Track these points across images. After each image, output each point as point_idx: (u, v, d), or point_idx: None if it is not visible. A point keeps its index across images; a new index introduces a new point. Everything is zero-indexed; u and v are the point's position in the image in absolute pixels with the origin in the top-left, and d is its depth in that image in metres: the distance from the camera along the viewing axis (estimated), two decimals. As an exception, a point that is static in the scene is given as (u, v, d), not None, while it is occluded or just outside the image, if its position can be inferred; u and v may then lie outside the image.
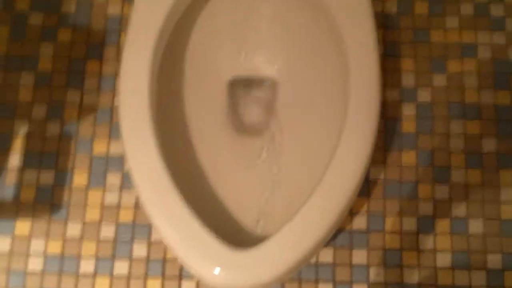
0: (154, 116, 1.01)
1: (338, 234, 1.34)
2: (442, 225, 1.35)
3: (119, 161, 1.39)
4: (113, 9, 1.50)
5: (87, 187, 1.38)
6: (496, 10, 1.50)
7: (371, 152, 1.00)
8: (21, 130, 1.41)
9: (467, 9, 1.50)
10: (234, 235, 1.11)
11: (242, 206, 1.15)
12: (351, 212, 1.35)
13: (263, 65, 1.26)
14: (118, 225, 1.35)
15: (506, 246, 1.34)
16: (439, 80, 1.44)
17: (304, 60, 1.24)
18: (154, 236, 1.34)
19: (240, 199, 1.15)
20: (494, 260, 1.33)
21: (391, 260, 1.33)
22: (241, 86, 1.27)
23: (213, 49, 1.24)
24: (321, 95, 1.20)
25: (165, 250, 1.33)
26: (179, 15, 1.10)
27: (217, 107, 1.23)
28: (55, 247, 1.34)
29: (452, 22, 1.49)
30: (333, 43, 1.09)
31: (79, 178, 1.38)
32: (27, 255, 1.34)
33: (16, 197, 1.37)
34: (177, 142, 1.16)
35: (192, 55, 1.22)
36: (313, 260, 1.32)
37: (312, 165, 1.14)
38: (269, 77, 1.26)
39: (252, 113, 1.27)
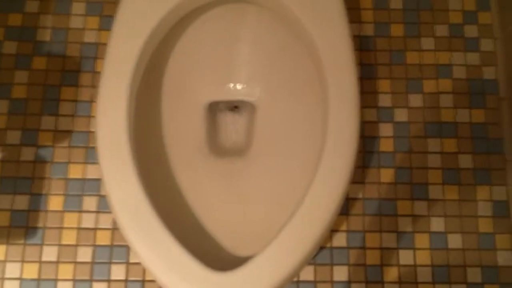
0: (132, 140, 0.99)
1: (318, 252, 1.33)
2: (421, 240, 1.36)
3: (96, 184, 1.38)
4: (89, 37, 1.50)
5: (63, 210, 1.36)
6: (470, 32, 1.52)
7: (352, 172, 0.99)
8: (-5, 156, 1.40)
9: (442, 30, 1.52)
10: (214, 256, 1.10)
11: (222, 228, 1.14)
12: (331, 230, 1.35)
13: (242, 89, 1.27)
14: (95, 247, 1.34)
15: (485, 260, 1.35)
16: (416, 101, 1.46)
17: (283, 83, 1.24)
18: (132, 258, 1.33)
19: (219, 220, 1.14)
20: (473, 273, 1.34)
21: (373, 276, 1.33)
22: (219, 110, 1.28)
23: (193, 73, 1.24)
24: (300, 116, 1.20)
25: (144, 271, 1.32)
26: (159, 39, 1.09)
27: (195, 130, 1.23)
28: (31, 271, 1.33)
29: (427, 43, 1.51)
30: (311, 66, 1.09)
31: (54, 202, 1.37)
32: (2, 280, 1.32)
33: (-9, 222, 1.36)
34: (155, 165, 1.15)
35: (171, 79, 1.21)
36: (294, 279, 1.30)
37: (292, 184, 1.13)
38: (248, 101, 1.27)
39: (230, 136, 1.27)
